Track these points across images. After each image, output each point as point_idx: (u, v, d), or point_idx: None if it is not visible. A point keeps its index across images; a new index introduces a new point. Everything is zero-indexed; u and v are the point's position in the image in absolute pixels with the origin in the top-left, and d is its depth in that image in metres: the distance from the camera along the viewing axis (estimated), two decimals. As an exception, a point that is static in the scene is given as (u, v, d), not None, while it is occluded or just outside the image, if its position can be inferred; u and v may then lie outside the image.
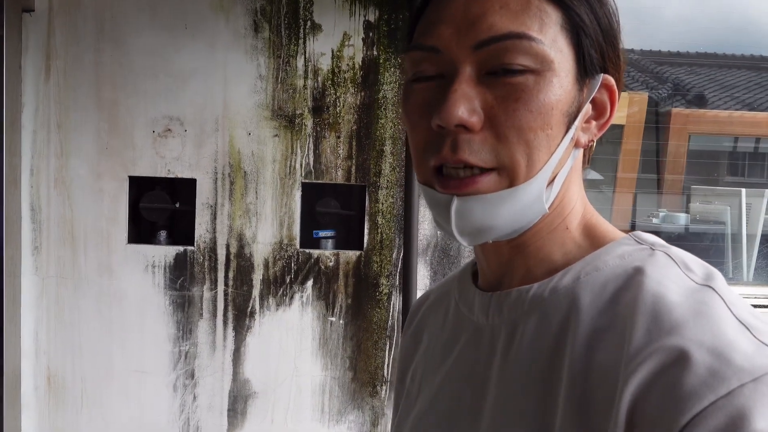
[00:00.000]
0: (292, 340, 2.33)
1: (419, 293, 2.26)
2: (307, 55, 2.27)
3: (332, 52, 2.27)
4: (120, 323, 2.28)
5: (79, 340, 2.28)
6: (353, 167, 2.30)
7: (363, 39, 2.27)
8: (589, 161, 0.61)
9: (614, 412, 0.45)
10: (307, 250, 2.32)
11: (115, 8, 2.21)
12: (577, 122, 0.54)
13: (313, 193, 2.35)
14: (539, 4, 0.51)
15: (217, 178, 2.28)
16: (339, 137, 2.29)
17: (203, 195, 2.28)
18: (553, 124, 0.52)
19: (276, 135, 2.28)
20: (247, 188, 2.29)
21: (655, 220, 3.08)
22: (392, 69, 2.28)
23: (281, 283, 2.31)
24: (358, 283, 2.33)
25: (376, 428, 2.37)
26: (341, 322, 2.34)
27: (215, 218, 2.29)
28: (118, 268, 2.27)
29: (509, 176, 0.52)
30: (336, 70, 2.28)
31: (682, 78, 3.50)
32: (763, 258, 2.99)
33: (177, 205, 2.33)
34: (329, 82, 2.28)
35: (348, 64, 2.28)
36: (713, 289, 0.48)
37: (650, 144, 3.06)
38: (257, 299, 2.32)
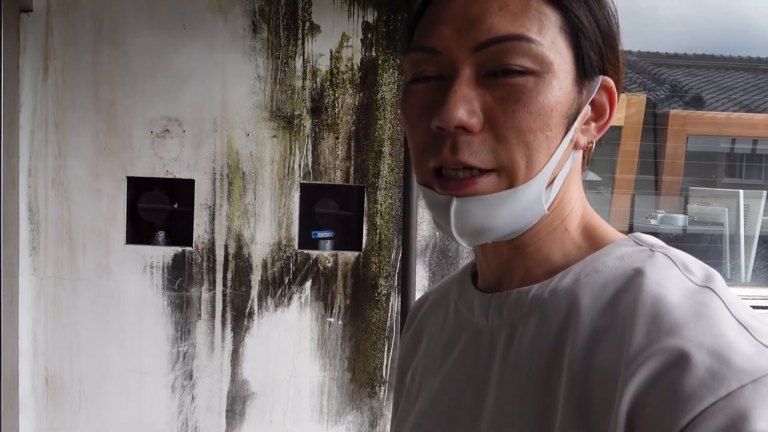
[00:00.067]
0: (290, 341, 2.33)
1: (418, 294, 2.26)
2: (305, 56, 2.27)
3: (331, 53, 2.27)
4: (118, 324, 2.28)
5: (77, 341, 2.27)
6: (352, 168, 2.30)
7: (362, 40, 2.27)
8: (588, 163, 0.61)
9: (614, 413, 0.45)
10: (306, 251, 2.31)
11: (114, 8, 2.21)
12: (576, 124, 0.54)
13: (311, 194, 2.35)
14: (538, 5, 0.51)
15: (215, 179, 2.27)
16: (337, 138, 2.29)
17: (201, 196, 2.27)
18: (552, 126, 0.52)
19: (274, 136, 2.28)
20: (246, 189, 2.28)
21: (653, 222, 3.08)
22: (391, 70, 2.28)
23: (280, 283, 2.31)
24: (357, 283, 2.33)
25: (374, 429, 2.37)
26: (340, 322, 2.34)
27: (213, 219, 2.29)
28: (116, 268, 2.26)
29: (509, 177, 0.52)
30: (334, 71, 2.28)
31: (680, 79, 3.51)
32: (761, 259, 3.00)
33: (175, 206, 2.33)
34: (328, 83, 2.28)
35: (346, 65, 2.28)
36: (713, 290, 0.48)
37: (648, 145, 3.07)
38: (256, 300, 2.31)
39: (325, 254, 2.32)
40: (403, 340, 0.76)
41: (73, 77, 2.21)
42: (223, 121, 2.26)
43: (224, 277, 2.30)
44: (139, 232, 2.34)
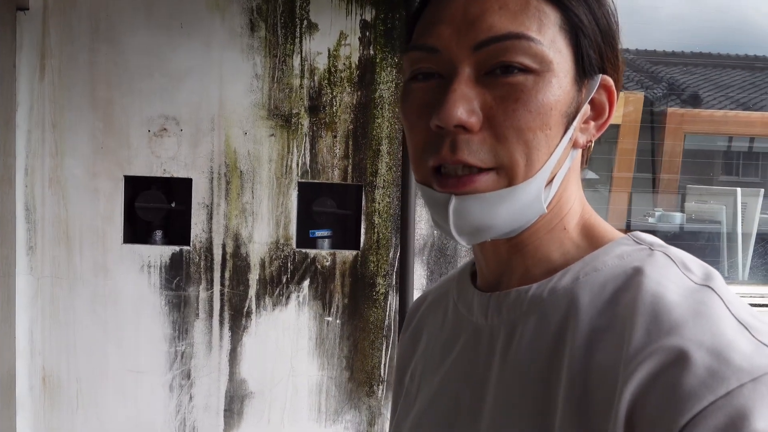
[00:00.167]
0: (288, 340, 2.33)
1: (416, 293, 2.26)
2: (303, 55, 2.27)
3: (329, 51, 2.27)
4: (115, 323, 2.27)
5: (75, 340, 2.27)
6: (350, 167, 2.30)
7: (359, 38, 2.27)
8: (587, 161, 0.61)
9: (614, 412, 0.45)
10: (304, 250, 2.31)
11: (110, 7, 2.20)
12: (575, 123, 0.54)
13: (309, 193, 2.35)
14: (538, 4, 0.51)
15: (213, 178, 2.27)
16: (335, 137, 2.29)
17: (199, 194, 2.27)
18: (551, 125, 0.52)
19: (272, 134, 2.28)
20: (244, 188, 2.28)
21: (650, 220, 3.08)
22: (389, 68, 2.28)
23: (278, 282, 2.31)
24: (355, 282, 2.33)
25: (372, 428, 2.37)
26: (338, 321, 2.34)
27: (211, 218, 2.28)
28: (113, 267, 2.26)
29: (508, 176, 0.52)
30: (332, 70, 2.27)
31: (678, 78, 3.51)
32: (758, 257, 3.01)
33: (173, 205, 2.33)
34: (326, 81, 2.28)
35: (344, 64, 2.27)
36: (712, 289, 0.48)
37: (646, 143, 3.07)
38: (253, 299, 2.31)
39: (323, 253, 2.32)
40: (401, 339, 0.76)
41: (69, 76, 2.20)
42: (221, 120, 2.26)
43: (222, 277, 2.30)
44: (136, 231, 2.34)
